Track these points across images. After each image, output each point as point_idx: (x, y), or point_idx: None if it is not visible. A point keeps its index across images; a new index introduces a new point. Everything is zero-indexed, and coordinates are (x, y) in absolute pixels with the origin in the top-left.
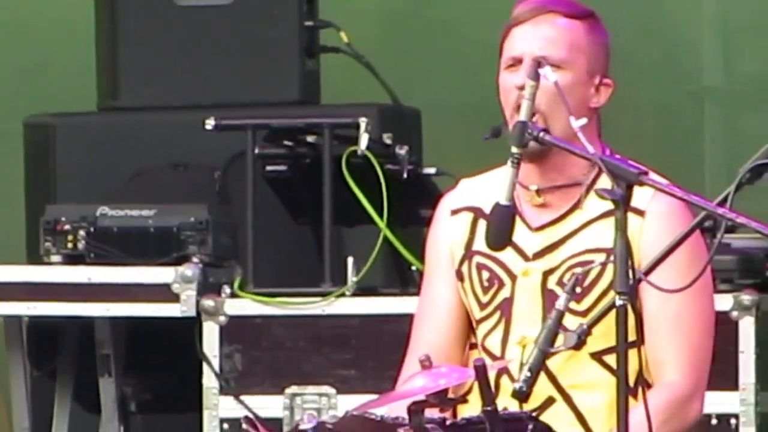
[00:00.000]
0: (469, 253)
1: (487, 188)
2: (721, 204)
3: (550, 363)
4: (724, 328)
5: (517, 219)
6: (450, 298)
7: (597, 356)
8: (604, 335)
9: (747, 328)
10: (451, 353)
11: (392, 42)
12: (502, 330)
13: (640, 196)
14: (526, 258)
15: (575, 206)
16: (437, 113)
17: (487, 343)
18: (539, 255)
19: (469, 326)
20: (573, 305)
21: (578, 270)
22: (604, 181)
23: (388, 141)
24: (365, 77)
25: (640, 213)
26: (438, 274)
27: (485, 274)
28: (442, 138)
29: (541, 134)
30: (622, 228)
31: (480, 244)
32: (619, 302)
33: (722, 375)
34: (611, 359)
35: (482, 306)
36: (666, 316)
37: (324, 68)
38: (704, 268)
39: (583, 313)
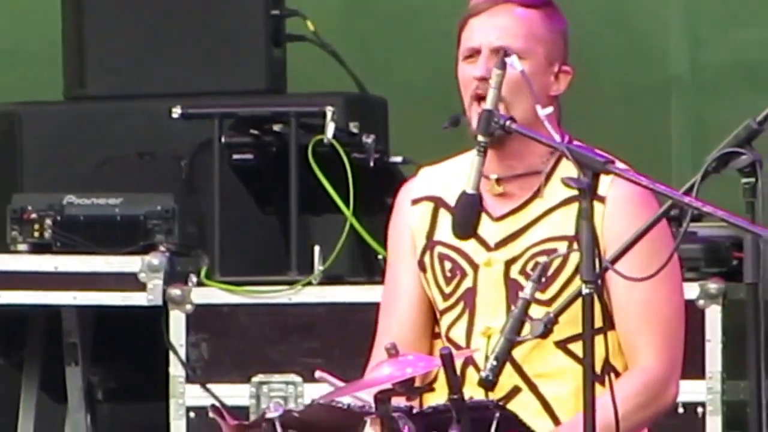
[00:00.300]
0: (430, 243)
1: (447, 177)
2: (687, 193)
3: (516, 352)
4: (691, 316)
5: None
6: (413, 287)
7: (562, 345)
8: (568, 323)
9: (713, 316)
10: (416, 343)
11: (358, 31)
12: (466, 321)
13: (600, 182)
14: (488, 248)
15: (535, 194)
16: (404, 102)
17: (451, 334)
18: (501, 244)
19: (433, 315)
20: (538, 294)
21: (543, 258)
22: (564, 169)
23: (355, 130)
24: (331, 66)
25: (601, 199)
26: (400, 264)
27: (447, 265)
28: (409, 127)
29: (508, 123)
30: (588, 216)
31: (441, 234)
32: (585, 291)
33: (689, 363)
34: (576, 347)
35: (445, 297)
36: (635, 301)
37: (290, 57)
38: (671, 255)
39: (548, 302)
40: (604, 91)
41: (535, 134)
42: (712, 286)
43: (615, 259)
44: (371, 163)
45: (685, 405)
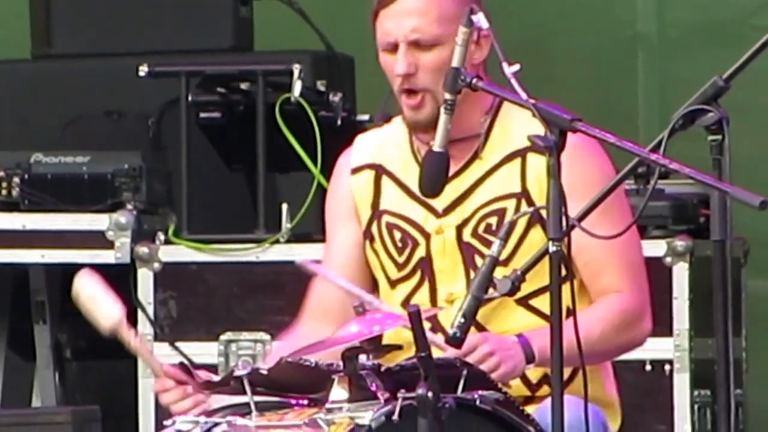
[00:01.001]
0: (376, 213)
1: (385, 143)
2: (655, 150)
3: (478, 314)
4: (658, 274)
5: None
6: (348, 251)
7: (523, 302)
8: (529, 281)
9: (681, 273)
10: (348, 307)
11: None
12: (427, 289)
13: (534, 132)
14: (436, 214)
15: (474, 156)
16: (371, 60)
17: (413, 302)
18: (449, 210)
19: (367, 281)
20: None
21: (493, 219)
22: (500, 130)
23: (322, 88)
24: (298, 24)
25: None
26: (336, 229)
27: (397, 234)
28: (376, 85)
29: (474, 81)
30: (555, 174)
31: (387, 202)
32: (552, 248)
33: (656, 321)
34: (538, 302)
35: (399, 266)
36: (598, 243)
37: (257, 15)
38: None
39: (504, 262)
40: (571, 49)
41: (500, 91)
42: (680, 243)
43: (582, 217)
44: (338, 122)
45: (652, 362)
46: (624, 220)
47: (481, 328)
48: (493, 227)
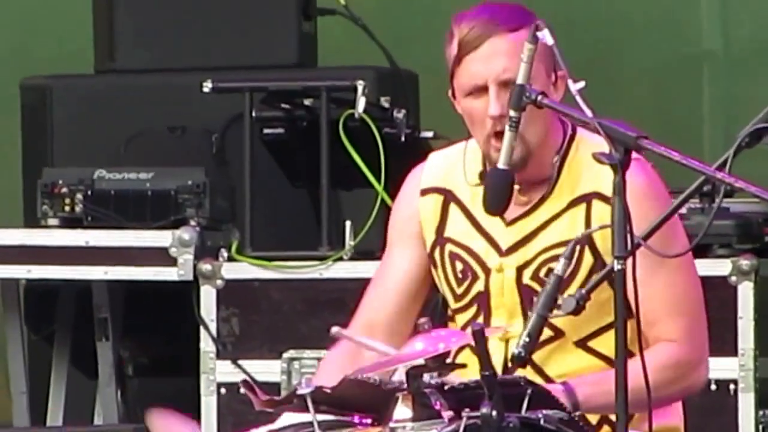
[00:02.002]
0: (440, 240)
1: (457, 166)
2: (720, 168)
3: (535, 355)
4: (723, 293)
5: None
6: (405, 269)
7: (582, 343)
8: (586, 322)
9: (746, 293)
10: (394, 324)
11: (389, 4)
12: (483, 322)
13: (602, 182)
14: (500, 252)
15: (543, 199)
16: (435, 76)
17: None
18: (512, 249)
19: (420, 300)
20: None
21: (554, 264)
22: (567, 175)
23: (386, 104)
24: (362, 40)
25: (606, 200)
26: (398, 245)
27: (459, 266)
28: (440, 101)
29: (539, 97)
30: (620, 192)
31: (452, 230)
32: (617, 267)
33: (721, 340)
34: (596, 344)
35: (457, 297)
36: (659, 284)
37: (321, 31)
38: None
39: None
40: (637, 66)
41: (565, 109)
42: (744, 262)
43: (647, 236)
44: (402, 138)
45: (717, 382)
46: (688, 262)
47: (539, 371)
48: None
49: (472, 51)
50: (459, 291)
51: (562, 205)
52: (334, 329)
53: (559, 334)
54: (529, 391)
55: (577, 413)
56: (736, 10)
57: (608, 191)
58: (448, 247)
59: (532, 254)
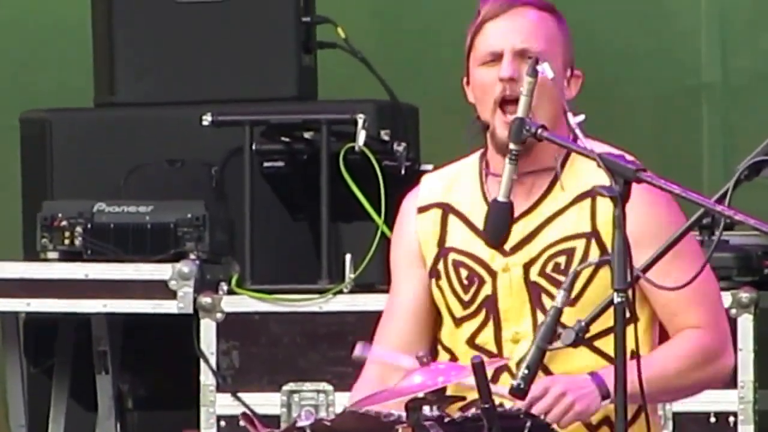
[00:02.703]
0: (443, 251)
1: (451, 182)
2: (720, 201)
3: None
4: None
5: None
6: (412, 297)
7: (587, 342)
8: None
9: (745, 325)
10: (413, 351)
11: (389, 38)
12: (492, 327)
13: (606, 177)
14: (504, 252)
15: (546, 193)
16: (434, 109)
17: (478, 341)
18: (517, 248)
19: (431, 326)
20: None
21: (562, 258)
22: (574, 166)
23: (386, 137)
24: (362, 73)
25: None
26: (401, 273)
27: (463, 272)
28: (440, 134)
29: (539, 131)
30: (619, 225)
31: (454, 240)
32: (617, 300)
33: None
34: (602, 344)
35: (465, 304)
36: (676, 273)
37: (321, 64)
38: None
39: (572, 302)
40: (636, 97)
41: (568, 143)
42: (744, 295)
43: (647, 268)
44: (402, 171)
45: (717, 414)
46: (697, 262)
47: (544, 368)
48: (562, 266)
49: (494, 18)
50: (466, 298)
51: (567, 200)
52: (357, 349)
53: None
54: (528, 423)
55: (608, 401)
56: (734, 43)
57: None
58: (451, 256)
59: (537, 251)
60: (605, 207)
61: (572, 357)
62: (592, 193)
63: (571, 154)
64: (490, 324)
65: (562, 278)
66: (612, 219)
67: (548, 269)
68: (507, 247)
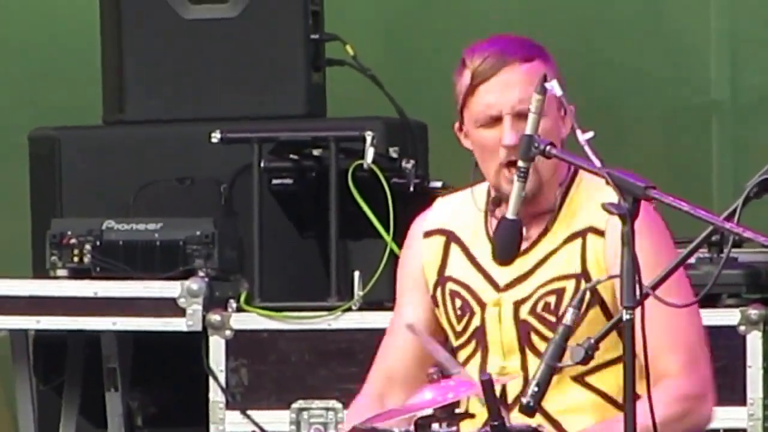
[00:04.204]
0: (441, 279)
1: (460, 209)
2: (728, 218)
3: None
4: (732, 342)
5: (490, 248)
6: (416, 317)
7: (579, 379)
8: None
9: (755, 342)
10: (410, 377)
11: (398, 55)
12: (479, 359)
13: (597, 216)
14: (497, 288)
15: (544, 232)
16: (444, 126)
17: (468, 370)
18: (510, 286)
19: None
20: (548, 331)
21: (552, 299)
22: (567, 210)
23: (394, 154)
24: (371, 90)
25: (600, 233)
26: (405, 295)
27: (458, 302)
28: (449, 151)
29: (548, 148)
30: (628, 242)
31: (452, 269)
32: (626, 317)
33: (730, 389)
34: (593, 380)
35: (457, 334)
36: (659, 325)
37: (330, 81)
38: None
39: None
40: (645, 114)
41: (576, 160)
42: (753, 312)
43: (656, 285)
44: (411, 188)
45: (726, 431)
46: (686, 296)
47: (539, 407)
48: (552, 306)
49: (486, 81)
50: (459, 328)
51: (559, 241)
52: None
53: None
54: None
55: None
56: (744, 60)
57: (601, 225)
58: (449, 285)
59: (530, 290)
60: (594, 247)
61: (564, 393)
62: (582, 234)
63: (570, 194)
64: (478, 356)
65: (552, 318)
66: (600, 258)
67: (539, 308)
68: (501, 283)
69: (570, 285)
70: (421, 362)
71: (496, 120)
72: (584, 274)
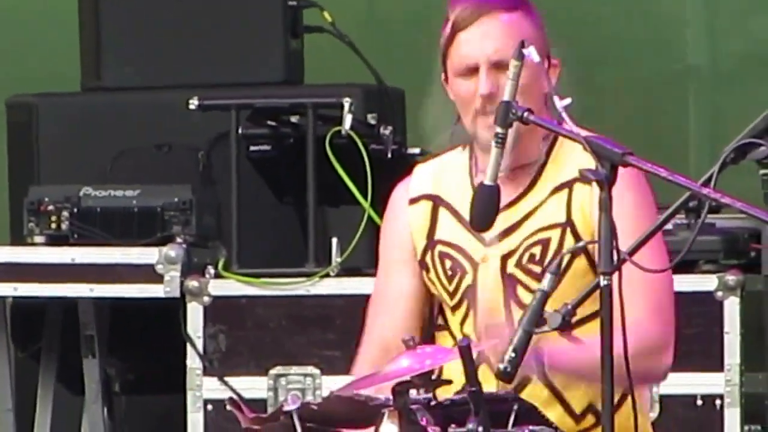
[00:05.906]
0: (431, 243)
1: (444, 172)
2: (706, 184)
3: None
4: (709, 308)
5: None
6: (406, 288)
7: (564, 332)
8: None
9: (732, 308)
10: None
11: (376, 21)
12: (472, 319)
13: (585, 166)
14: (484, 244)
15: (529, 187)
16: (421, 93)
17: (465, 330)
18: (496, 240)
19: (425, 316)
20: (534, 283)
21: (537, 249)
22: (554, 162)
23: (372, 121)
24: (349, 57)
25: (588, 182)
26: (394, 263)
27: (448, 263)
28: None
29: (525, 114)
30: (605, 208)
31: (442, 232)
32: (603, 282)
33: (707, 356)
34: (578, 332)
35: (450, 295)
36: (627, 270)
37: (308, 48)
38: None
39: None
40: (622, 81)
41: (554, 126)
42: (731, 278)
43: (633, 251)
44: (389, 155)
45: (703, 397)
46: (661, 254)
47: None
48: (537, 257)
49: (465, 30)
50: (451, 288)
51: (545, 193)
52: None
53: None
54: (515, 407)
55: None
56: (722, 25)
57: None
58: (438, 248)
59: (516, 243)
60: (580, 196)
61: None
62: (569, 184)
63: (555, 147)
64: (471, 316)
65: (537, 269)
66: (585, 207)
67: (524, 260)
68: (487, 238)
69: (555, 234)
70: (415, 330)
71: (474, 70)
72: (569, 223)
